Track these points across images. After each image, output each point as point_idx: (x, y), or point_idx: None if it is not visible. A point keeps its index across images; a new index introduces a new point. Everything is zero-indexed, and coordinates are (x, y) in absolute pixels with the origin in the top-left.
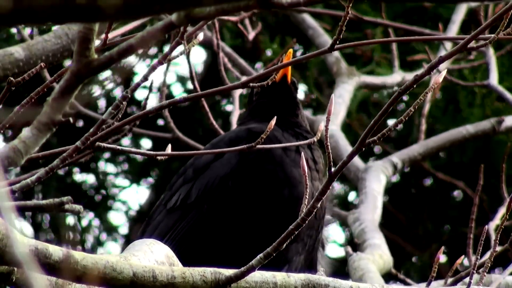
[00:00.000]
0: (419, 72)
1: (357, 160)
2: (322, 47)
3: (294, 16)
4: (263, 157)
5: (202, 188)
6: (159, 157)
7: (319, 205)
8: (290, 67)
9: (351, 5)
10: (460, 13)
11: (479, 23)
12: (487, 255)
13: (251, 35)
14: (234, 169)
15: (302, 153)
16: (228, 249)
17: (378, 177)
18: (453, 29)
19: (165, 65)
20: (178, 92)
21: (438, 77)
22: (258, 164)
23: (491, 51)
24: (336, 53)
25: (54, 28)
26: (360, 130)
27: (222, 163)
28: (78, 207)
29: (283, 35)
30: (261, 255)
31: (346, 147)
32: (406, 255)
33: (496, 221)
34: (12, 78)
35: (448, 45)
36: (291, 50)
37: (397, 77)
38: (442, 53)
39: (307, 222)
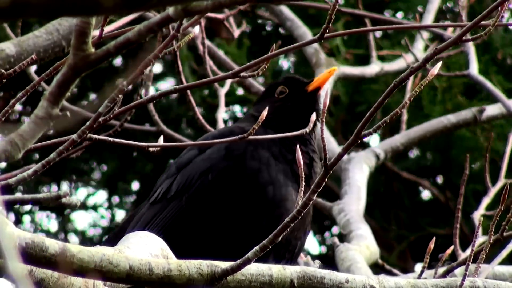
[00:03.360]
0: (397, 63)
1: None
2: (301, 39)
3: (272, 8)
4: (249, 155)
5: (183, 182)
6: (151, 149)
7: (314, 198)
8: (325, 82)
9: None
10: (435, 2)
11: (457, 13)
12: (471, 247)
13: (236, 33)
14: (214, 164)
15: (298, 146)
16: (208, 243)
17: (361, 168)
18: (429, 18)
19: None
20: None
21: (433, 69)
22: (242, 161)
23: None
24: (315, 45)
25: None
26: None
27: (203, 158)
28: (75, 200)
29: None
30: (257, 247)
31: (329, 139)
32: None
33: (481, 210)
34: (3, 71)
35: (425, 35)
36: (335, 68)
37: (375, 67)
38: (419, 45)
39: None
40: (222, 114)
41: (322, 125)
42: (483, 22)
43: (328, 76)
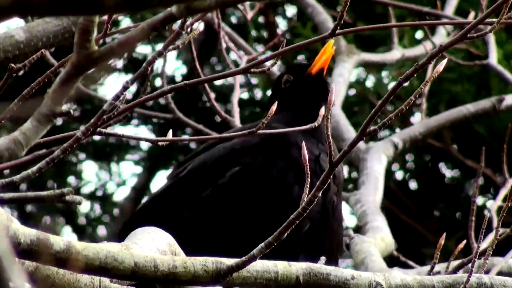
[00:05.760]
0: (418, 49)
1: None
2: (321, 26)
3: None
4: (279, 154)
5: (206, 169)
6: (160, 143)
7: (319, 194)
8: (328, 61)
9: None
10: None
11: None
12: (489, 238)
13: (250, 14)
14: (241, 158)
15: (303, 142)
16: (224, 238)
17: (379, 158)
18: (452, 3)
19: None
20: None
21: (439, 66)
22: (273, 158)
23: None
24: None
25: None
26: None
27: (227, 151)
28: (78, 198)
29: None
30: (262, 244)
31: (347, 127)
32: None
33: (498, 202)
34: (13, 65)
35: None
36: (331, 42)
37: (396, 53)
38: (442, 31)
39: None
40: (237, 98)
41: (328, 122)
42: (487, 20)
43: (328, 55)
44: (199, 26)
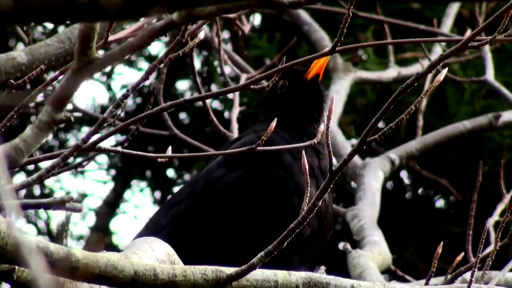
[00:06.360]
0: (415, 68)
1: (355, 157)
2: (318, 43)
3: (289, 11)
4: (276, 163)
5: (204, 183)
6: (159, 159)
7: (319, 204)
8: (323, 67)
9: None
10: (454, 6)
11: (474, 17)
12: (486, 251)
13: (247, 28)
14: (244, 182)
15: (303, 152)
16: (226, 248)
17: (376, 174)
18: (447, 23)
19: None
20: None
21: (439, 76)
22: (270, 171)
23: (486, 46)
24: None
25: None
26: (346, 126)
27: (234, 177)
28: (79, 205)
29: (271, 32)
30: (262, 253)
31: (343, 144)
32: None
33: (495, 217)
34: (12, 81)
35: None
36: (327, 58)
37: (392, 72)
38: (438, 49)
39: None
40: (236, 114)
41: (327, 130)
42: (478, 38)
43: (324, 61)
44: (200, 34)
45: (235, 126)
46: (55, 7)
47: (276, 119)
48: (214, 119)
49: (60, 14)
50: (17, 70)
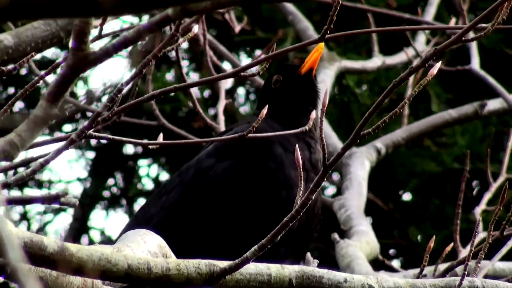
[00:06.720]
0: (399, 57)
1: (340, 146)
2: (303, 33)
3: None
4: (267, 155)
5: (193, 174)
6: (150, 146)
7: (313, 197)
8: (317, 62)
9: None
10: None
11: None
12: (470, 246)
13: (237, 28)
14: (233, 173)
15: (297, 145)
16: (215, 240)
17: (362, 163)
18: (431, 11)
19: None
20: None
21: (433, 69)
22: (260, 163)
23: (471, 36)
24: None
25: None
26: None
27: (223, 167)
28: (73, 200)
29: (252, 24)
30: (255, 247)
31: (330, 134)
32: None
33: (482, 206)
34: (3, 68)
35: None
36: (321, 45)
37: (377, 61)
38: (422, 38)
39: (297, 223)
40: (222, 106)
41: (321, 124)
42: (480, 25)
43: (317, 55)
44: (193, 28)
45: (221, 118)
46: (51, 2)
47: (267, 106)
48: (201, 111)
49: (56, 10)
50: (3, 53)
